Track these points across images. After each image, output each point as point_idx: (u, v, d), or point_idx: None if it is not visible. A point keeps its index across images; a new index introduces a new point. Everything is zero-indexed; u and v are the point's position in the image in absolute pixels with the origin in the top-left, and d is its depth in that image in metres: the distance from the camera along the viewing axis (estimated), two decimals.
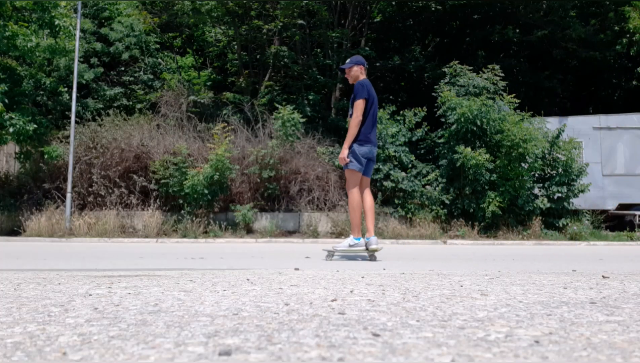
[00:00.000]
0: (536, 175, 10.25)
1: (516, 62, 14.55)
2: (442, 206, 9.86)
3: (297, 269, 2.92)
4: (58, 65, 11.58)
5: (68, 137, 10.33)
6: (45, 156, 9.87)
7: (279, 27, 12.50)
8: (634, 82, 15.90)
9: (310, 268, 3.06)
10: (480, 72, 10.80)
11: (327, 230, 9.64)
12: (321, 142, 11.04)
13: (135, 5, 13.91)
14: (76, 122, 10.34)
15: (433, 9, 14.09)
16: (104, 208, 9.81)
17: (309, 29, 13.44)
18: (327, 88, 13.67)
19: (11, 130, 9.29)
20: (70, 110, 10.40)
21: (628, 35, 15.28)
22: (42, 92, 11.31)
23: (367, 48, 13.95)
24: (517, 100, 10.37)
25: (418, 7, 14.34)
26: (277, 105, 10.80)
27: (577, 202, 10.54)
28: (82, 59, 12.07)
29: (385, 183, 9.79)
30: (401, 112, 10.81)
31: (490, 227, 9.65)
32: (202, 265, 3.88)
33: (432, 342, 1.09)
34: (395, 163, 10.11)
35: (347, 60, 4.60)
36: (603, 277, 2.55)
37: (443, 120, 10.43)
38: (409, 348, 1.03)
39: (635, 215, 11.06)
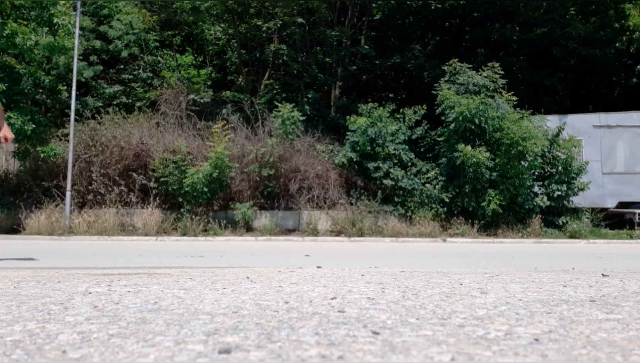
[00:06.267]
0: (536, 173, 10.24)
1: (516, 60, 14.54)
2: (442, 204, 9.85)
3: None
4: (57, 63, 11.55)
5: (67, 135, 10.31)
6: (43, 155, 9.84)
7: (279, 25, 12.48)
8: (634, 80, 15.89)
9: (311, 267, 3.06)
10: (480, 70, 10.79)
11: (327, 229, 9.64)
12: (321, 140, 11.03)
13: (134, 4, 13.88)
14: (75, 120, 10.32)
15: (433, 7, 14.08)
16: (103, 206, 9.80)
17: (309, 27, 13.42)
18: (327, 86, 13.66)
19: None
20: (69, 108, 10.38)
21: (628, 33, 15.28)
22: (41, 90, 11.29)
23: (366, 46, 13.94)
24: (516, 98, 10.36)
25: (418, 6, 14.33)
26: (277, 103, 10.80)
27: (577, 201, 10.54)
28: (81, 57, 12.04)
29: (385, 181, 9.79)
30: (401, 110, 10.81)
31: (490, 225, 9.65)
32: (202, 263, 3.89)
33: (431, 340, 1.09)
34: (395, 161, 10.10)
35: None
36: (603, 275, 2.55)
37: (443, 118, 10.42)
38: (408, 346, 1.03)
39: (634, 214, 11.05)
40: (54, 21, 9.94)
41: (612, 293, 1.86)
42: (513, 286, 2.03)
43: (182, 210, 9.55)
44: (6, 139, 3.64)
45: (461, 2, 13.74)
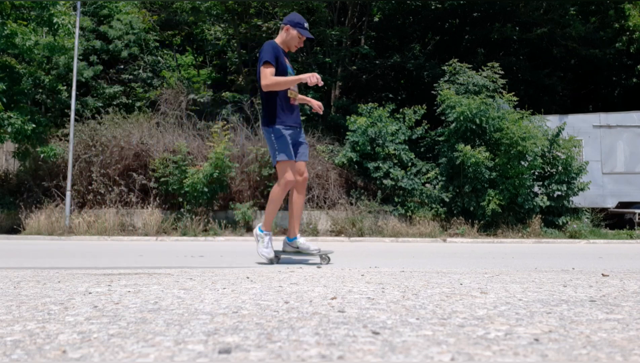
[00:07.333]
0: (536, 173, 10.25)
1: (516, 60, 14.55)
2: (441, 204, 9.86)
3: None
4: (57, 63, 11.55)
5: (67, 135, 10.31)
6: (43, 155, 9.84)
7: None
8: (634, 80, 15.90)
9: (311, 266, 3.06)
10: (480, 70, 10.79)
11: (327, 229, 9.64)
12: (321, 140, 11.04)
13: (134, 4, 13.89)
14: (75, 120, 10.32)
15: (433, 7, 14.08)
16: (103, 206, 9.81)
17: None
18: (327, 86, 13.67)
19: (9, 129, 9.25)
20: (69, 108, 10.38)
21: (628, 33, 15.29)
22: (41, 90, 11.29)
23: (366, 46, 13.94)
24: (516, 98, 10.37)
25: (417, 5, 14.33)
26: None
27: (577, 200, 10.54)
28: (81, 57, 12.05)
29: (384, 181, 9.79)
30: (401, 110, 10.81)
31: (490, 225, 9.65)
32: (202, 263, 3.89)
33: (431, 340, 1.09)
34: (395, 161, 10.10)
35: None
36: (603, 275, 2.55)
37: (443, 118, 10.42)
38: (408, 346, 1.03)
39: (635, 214, 11.06)
40: (54, 21, 9.94)
41: (612, 293, 1.86)
42: (513, 286, 2.03)
43: (182, 210, 9.56)
44: (320, 107, 4.06)
45: (461, 2, 13.74)
